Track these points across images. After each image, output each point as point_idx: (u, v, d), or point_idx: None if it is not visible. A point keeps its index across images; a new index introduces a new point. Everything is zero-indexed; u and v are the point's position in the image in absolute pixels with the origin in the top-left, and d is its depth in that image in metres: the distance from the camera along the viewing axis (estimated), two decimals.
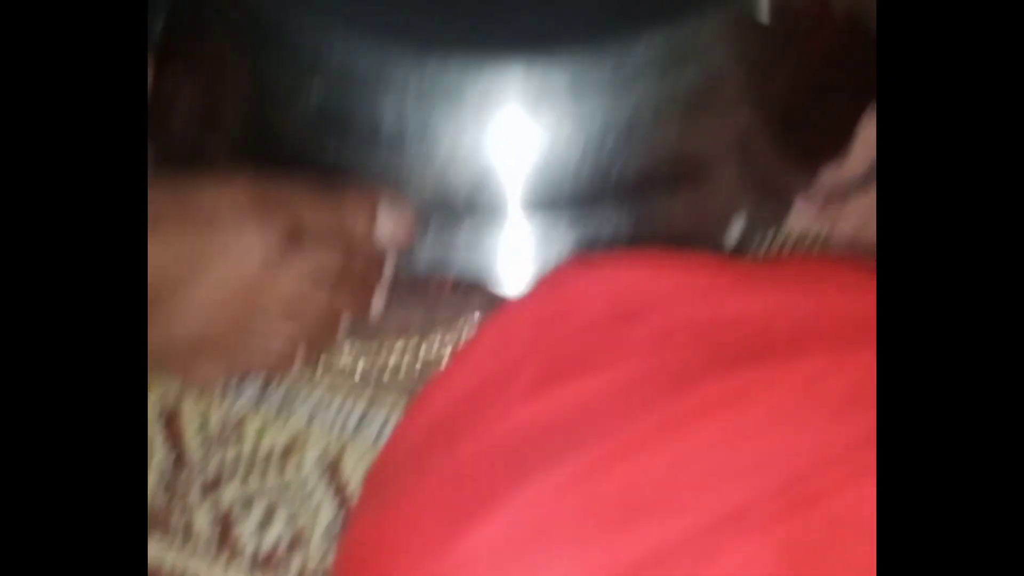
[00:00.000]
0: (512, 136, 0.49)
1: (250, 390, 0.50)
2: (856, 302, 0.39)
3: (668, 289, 0.41)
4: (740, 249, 0.52)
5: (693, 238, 0.51)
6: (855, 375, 0.38)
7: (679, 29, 0.49)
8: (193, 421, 0.51)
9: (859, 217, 0.51)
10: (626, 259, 0.43)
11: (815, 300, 0.40)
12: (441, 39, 0.50)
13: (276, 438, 0.50)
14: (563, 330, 0.41)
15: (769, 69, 0.51)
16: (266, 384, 0.50)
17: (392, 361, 0.50)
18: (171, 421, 0.51)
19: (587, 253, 0.44)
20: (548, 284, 0.43)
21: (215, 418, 0.50)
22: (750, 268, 0.43)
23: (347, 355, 0.50)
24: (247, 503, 0.49)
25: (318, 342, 0.49)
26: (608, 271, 0.42)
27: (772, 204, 0.52)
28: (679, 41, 0.49)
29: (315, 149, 0.51)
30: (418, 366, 0.50)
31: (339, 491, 0.49)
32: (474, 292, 0.50)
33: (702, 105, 0.50)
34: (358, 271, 0.48)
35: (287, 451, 0.50)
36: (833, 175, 0.52)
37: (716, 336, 0.38)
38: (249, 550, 0.48)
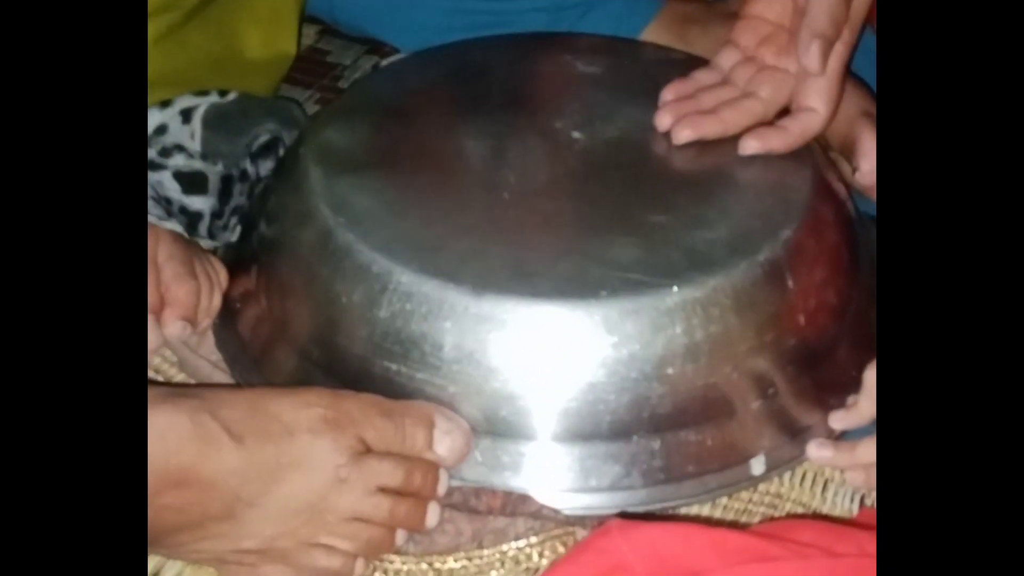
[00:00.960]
0: (556, 368, 0.55)
1: None
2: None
3: (701, 561, 0.46)
4: (763, 479, 0.57)
5: (721, 470, 0.56)
6: None
7: (704, 283, 0.55)
8: None
9: (869, 463, 0.56)
10: (661, 529, 0.48)
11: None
12: (495, 277, 0.56)
13: None
14: None
15: (784, 319, 0.57)
16: None
17: (444, 573, 0.53)
18: None
19: (625, 518, 0.49)
20: (591, 550, 0.47)
21: None
22: (770, 538, 0.48)
23: (403, 566, 0.53)
24: None
25: (376, 554, 0.53)
26: (646, 539, 0.47)
27: (791, 442, 0.58)
28: (704, 293, 0.55)
29: (380, 367, 0.56)
30: None
31: None
32: (521, 508, 0.54)
33: (725, 349, 0.55)
34: (416, 485, 0.53)
35: None
36: (842, 419, 0.58)
37: None
38: None
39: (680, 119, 0.64)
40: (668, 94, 0.67)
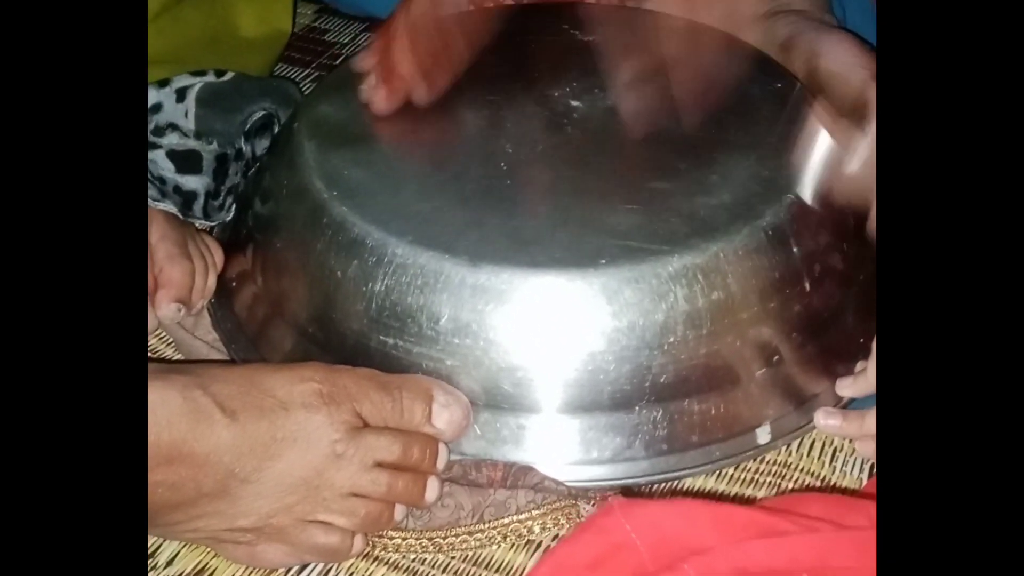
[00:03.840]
0: (555, 339, 0.54)
1: None
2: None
3: (705, 538, 0.45)
4: (769, 448, 0.56)
5: (725, 439, 0.55)
6: None
7: (706, 249, 0.54)
8: None
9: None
10: (664, 506, 0.47)
11: (844, 550, 0.44)
12: (492, 248, 0.55)
13: None
14: None
15: (788, 285, 0.56)
16: (325, 572, 0.52)
17: (445, 548, 0.52)
18: None
19: (627, 497, 0.48)
20: (593, 528, 0.46)
21: None
22: (777, 513, 0.46)
23: (403, 542, 0.53)
24: None
25: (375, 530, 0.52)
26: (649, 517, 0.46)
27: (797, 410, 0.57)
28: (706, 259, 0.54)
29: (376, 341, 0.55)
30: (471, 553, 0.53)
31: None
32: (522, 480, 0.53)
33: (727, 316, 0.54)
34: (414, 460, 0.52)
35: None
36: (850, 387, 0.57)
37: None
38: None
39: None
40: None
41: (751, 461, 0.56)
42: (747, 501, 0.54)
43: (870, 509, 0.48)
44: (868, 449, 0.56)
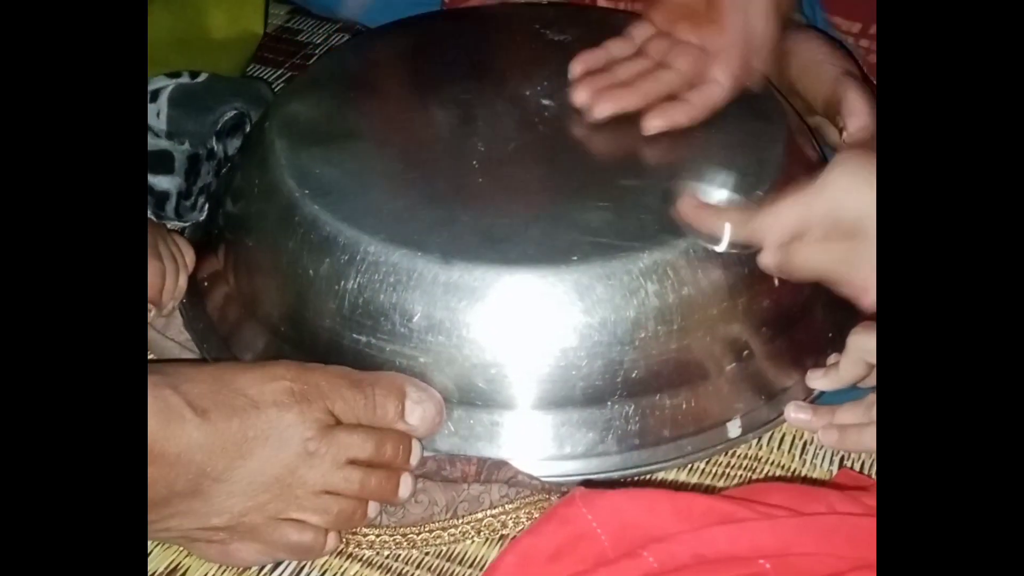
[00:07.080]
0: (527, 336, 0.54)
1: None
2: (841, 535, 0.43)
3: (665, 526, 0.45)
4: (740, 442, 0.56)
5: (696, 434, 0.55)
6: None
7: (676, 245, 0.54)
8: None
9: (847, 427, 0.55)
10: (625, 495, 0.47)
11: (803, 536, 0.44)
12: (464, 245, 0.55)
13: None
14: (575, 566, 0.44)
15: (757, 280, 0.56)
16: (299, 570, 0.52)
17: (419, 544, 0.53)
18: None
19: (590, 488, 0.48)
20: (555, 519, 0.46)
21: None
22: (738, 501, 0.46)
23: (376, 539, 0.53)
24: None
25: (348, 527, 0.52)
26: (610, 506, 0.46)
27: (768, 404, 0.57)
28: (676, 255, 0.54)
29: (349, 339, 0.56)
30: (445, 548, 0.53)
31: None
32: (496, 475, 0.53)
33: (697, 311, 0.54)
34: (387, 457, 0.52)
35: None
36: (820, 379, 0.57)
37: (715, 571, 0.43)
38: None
39: (598, 93, 0.62)
40: (578, 66, 0.64)
41: (722, 455, 0.57)
42: (716, 492, 0.55)
43: (830, 498, 0.48)
44: (831, 439, 0.56)
